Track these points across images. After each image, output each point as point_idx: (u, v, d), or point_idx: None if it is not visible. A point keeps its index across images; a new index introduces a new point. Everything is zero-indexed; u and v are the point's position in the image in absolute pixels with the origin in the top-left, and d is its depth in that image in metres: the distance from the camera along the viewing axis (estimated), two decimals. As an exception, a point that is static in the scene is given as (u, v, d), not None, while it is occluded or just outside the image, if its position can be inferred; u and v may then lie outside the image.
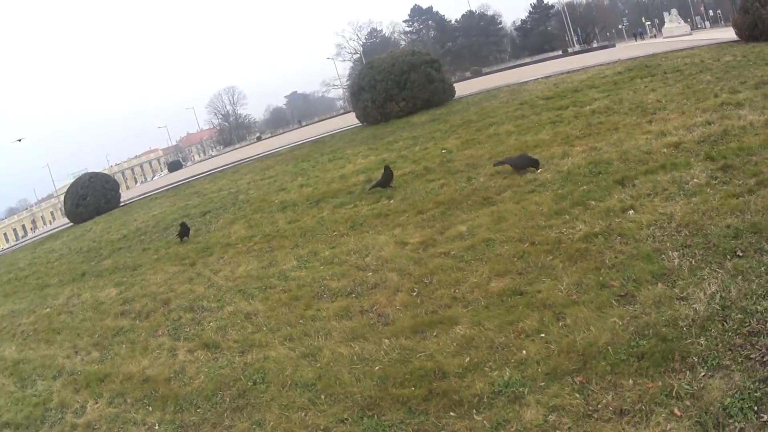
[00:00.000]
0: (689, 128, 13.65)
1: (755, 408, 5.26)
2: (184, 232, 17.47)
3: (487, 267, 9.12)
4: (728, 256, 7.69)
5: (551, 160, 13.74)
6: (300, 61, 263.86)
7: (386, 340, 7.81)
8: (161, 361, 9.48)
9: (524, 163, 13.83)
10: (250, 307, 10.40)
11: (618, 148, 13.33)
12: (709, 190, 9.92)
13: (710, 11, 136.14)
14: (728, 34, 35.75)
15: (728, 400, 5.37)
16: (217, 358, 8.92)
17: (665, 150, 12.47)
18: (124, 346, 10.75)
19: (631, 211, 9.79)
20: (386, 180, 15.70)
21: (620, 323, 6.74)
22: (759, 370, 5.64)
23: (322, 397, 7.10)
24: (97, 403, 9.00)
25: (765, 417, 5.22)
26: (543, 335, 6.95)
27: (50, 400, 9.74)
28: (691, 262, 7.74)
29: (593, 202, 10.53)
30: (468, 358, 6.89)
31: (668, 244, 8.37)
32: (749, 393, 5.38)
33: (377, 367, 7.24)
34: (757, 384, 5.47)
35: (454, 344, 7.27)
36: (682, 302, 6.89)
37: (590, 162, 12.81)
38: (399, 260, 10.37)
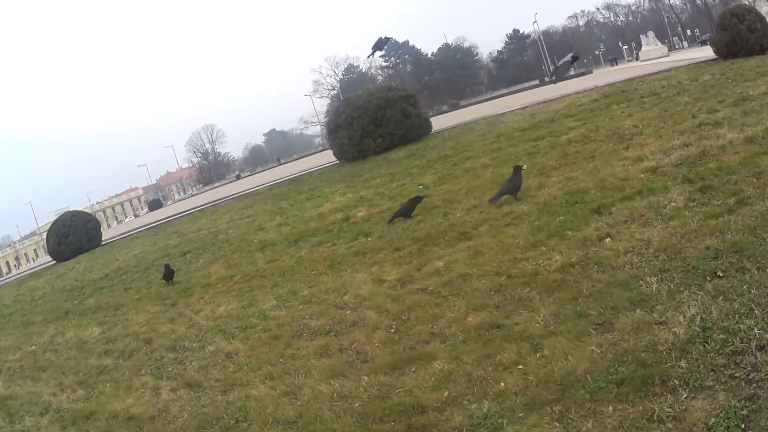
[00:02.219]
0: (666, 152, 13.76)
1: (742, 426, 5.23)
2: (168, 274, 17.37)
3: (464, 302, 9.15)
4: (708, 278, 7.72)
5: (528, 192, 13.85)
6: (278, 98, 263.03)
7: (365, 377, 7.81)
8: (145, 400, 9.45)
9: (516, 186, 14.11)
10: (231, 347, 10.43)
11: (594, 177, 13.42)
12: (687, 212, 9.97)
13: (687, 31, 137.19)
14: (707, 52, 36.28)
15: (713, 420, 5.37)
16: (200, 397, 8.91)
17: (642, 175, 12.54)
18: (108, 384, 10.72)
19: (608, 239, 9.85)
20: (408, 209, 15.64)
21: (598, 351, 6.75)
22: (744, 388, 5.63)
23: (303, 433, 7.05)
24: (83, 441, 8.91)
25: None
26: (521, 367, 6.96)
27: (38, 437, 9.64)
28: (669, 286, 7.76)
29: (570, 232, 10.59)
30: (446, 392, 6.90)
31: (646, 270, 8.39)
32: (735, 411, 5.37)
33: (357, 404, 7.24)
34: (743, 402, 5.45)
35: (433, 379, 7.28)
36: (661, 327, 6.91)
37: (566, 192, 12.91)
38: (377, 298, 10.39)
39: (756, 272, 7.54)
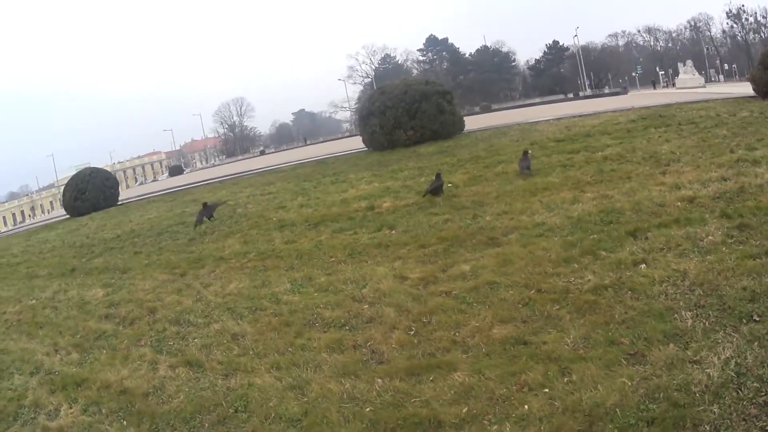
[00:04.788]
0: (704, 183, 13.43)
1: None
2: (206, 214, 18.11)
3: (490, 311, 8.82)
4: (744, 320, 7.40)
5: (561, 205, 13.56)
6: (310, 80, 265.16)
7: (379, 380, 7.47)
8: (141, 374, 9.11)
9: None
10: (238, 328, 10.08)
11: (630, 198, 13.13)
12: (724, 248, 9.65)
13: (725, 65, 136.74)
14: (744, 89, 35.69)
15: None
16: (199, 379, 8.57)
17: (679, 203, 12.24)
18: (104, 351, 10.39)
19: (643, 265, 9.52)
20: (437, 187, 16.22)
21: (629, 384, 6.43)
22: None
23: (308, 435, 6.68)
24: (71, 408, 8.61)
25: None
26: (547, 390, 6.64)
27: (25, 397, 9.36)
28: (704, 324, 7.45)
29: (604, 253, 10.28)
30: (466, 408, 6.56)
31: (681, 303, 8.08)
32: None
33: (368, 409, 6.91)
34: None
35: (452, 392, 6.93)
36: (695, 366, 6.60)
37: (601, 210, 12.61)
38: (397, 295, 10.07)
39: None
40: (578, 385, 6.58)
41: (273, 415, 7.18)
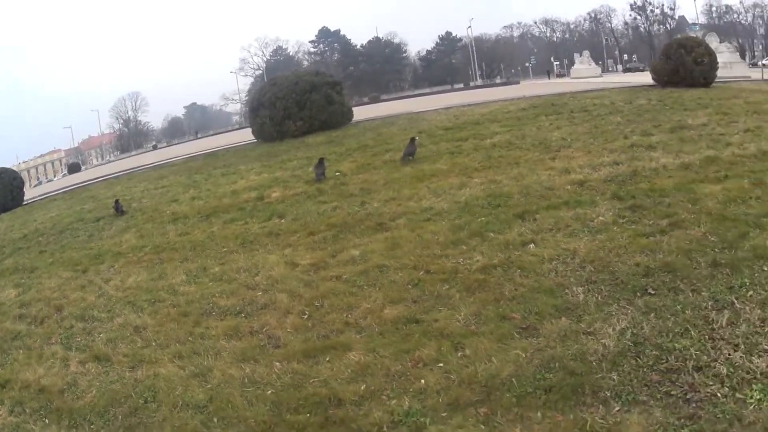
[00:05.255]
0: (595, 167, 14.10)
1: None
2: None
3: (380, 293, 9.23)
4: (638, 294, 7.90)
5: (449, 190, 14.04)
6: (203, 72, 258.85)
7: (278, 364, 7.79)
8: (55, 371, 9.21)
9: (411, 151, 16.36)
10: (140, 321, 10.28)
11: (519, 183, 13.69)
12: (616, 228, 10.21)
13: (624, 55, 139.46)
14: (644, 78, 36.69)
15: None
16: (108, 372, 8.72)
17: (569, 187, 12.84)
18: (21, 351, 10.43)
19: (532, 245, 10.01)
20: (321, 173, 17.26)
21: (524, 356, 6.84)
22: (683, 407, 5.77)
23: (215, 420, 6.99)
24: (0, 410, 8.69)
25: None
26: (441, 365, 7.00)
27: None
28: (597, 298, 7.93)
29: (492, 234, 10.76)
30: (364, 386, 6.90)
31: (572, 279, 8.57)
32: (674, 429, 5.50)
33: (270, 392, 7.21)
34: (683, 421, 5.59)
35: (349, 371, 7.29)
36: (589, 337, 7.03)
37: (489, 194, 13.14)
38: (289, 281, 10.41)
39: (690, 294, 7.79)
40: (472, 358, 6.95)
41: (180, 403, 7.40)
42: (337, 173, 18.82)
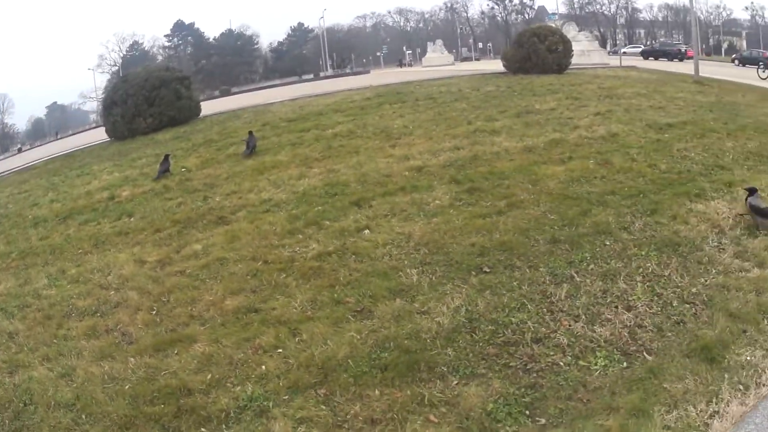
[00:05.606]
0: (435, 153, 14.64)
1: (527, 412, 5.63)
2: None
3: (221, 285, 9.47)
4: (473, 272, 8.28)
5: (288, 181, 14.38)
6: (66, 70, 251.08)
7: (132, 359, 7.92)
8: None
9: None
10: (12, 326, 10.12)
11: (357, 171, 14.13)
12: (452, 211, 10.67)
13: (479, 44, 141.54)
14: (497, 66, 37.49)
15: (491, 405, 5.72)
16: (-11, 379, 8.69)
17: (407, 173, 13.32)
18: None
19: (367, 231, 10.39)
20: (165, 169, 17.58)
21: (358, 337, 7.13)
22: (523, 377, 6.07)
23: (83, 417, 7.04)
24: None
25: (542, 420, 5.63)
26: (280, 351, 7.28)
27: None
28: (431, 279, 8.27)
29: (327, 222, 11.13)
30: (210, 375, 7.13)
31: (406, 262, 8.92)
32: (516, 399, 5.77)
33: (127, 386, 7.33)
34: (523, 390, 5.88)
35: (195, 361, 7.50)
36: (423, 316, 7.34)
37: (327, 183, 13.53)
38: (138, 278, 10.56)
39: (528, 270, 8.24)
40: (309, 343, 7.27)
41: (53, 403, 7.38)
42: (183, 169, 18.98)
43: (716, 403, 5.71)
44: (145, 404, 6.86)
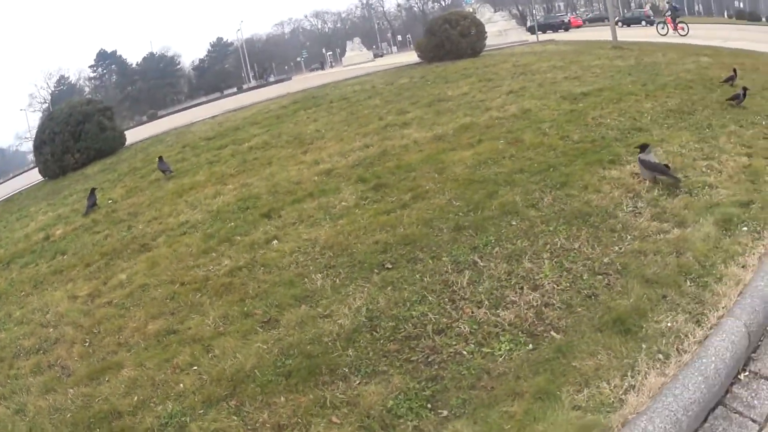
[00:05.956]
0: (345, 154, 14.86)
1: (429, 405, 5.73)
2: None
3: (143, 311, 9.56)
4: (376, 270, 8.45)
5: (204, 201, 14.52)
6: (1, 112, 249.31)
7: (71, 390, 8.06)
8: None
9: None
10: (-30, 371, 10.60)
11: (269, 182, 14.25)
12: (357, 210, 10.86)
13: (398, 36, 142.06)
14: (413, 57, 38.09)
15: (391, 402, 5.84)
16: (-43, 425, 9.10)
17: (316, 178, 13.49)
18: None
19: (276, 242, 10.47)
20: (92, 204, 17.48)
21: (265, 347, 7.32)
22: (424, 371, 6.16)
23: (37, 447, 7.45)
24: None
25: (444, 412, 5.63)
26: (195, 368, 7.46)
27: None
28: (335, 281, 8.46)
29: (239, 237, 11.22)
30: (136, 397, 7.28)
31: (311, 268, 9.07)
32: (416, 393, 5.86)
33: (68, 415, 7.50)
34: (424, 383, 5.97)
35: (123, 386, 7.65)
36: (326, 319, 7.55)
37: (240, 198, 13.63)
38: (72, 314, 10.61)
39: (430, 261, 8.42)
40: (221, 357, 7.46)
41: (11, 438, 7.85)
42: (110, 201, 18.98)
43: (632, 377, 5.70)
44: (84, 430, 7.13)
